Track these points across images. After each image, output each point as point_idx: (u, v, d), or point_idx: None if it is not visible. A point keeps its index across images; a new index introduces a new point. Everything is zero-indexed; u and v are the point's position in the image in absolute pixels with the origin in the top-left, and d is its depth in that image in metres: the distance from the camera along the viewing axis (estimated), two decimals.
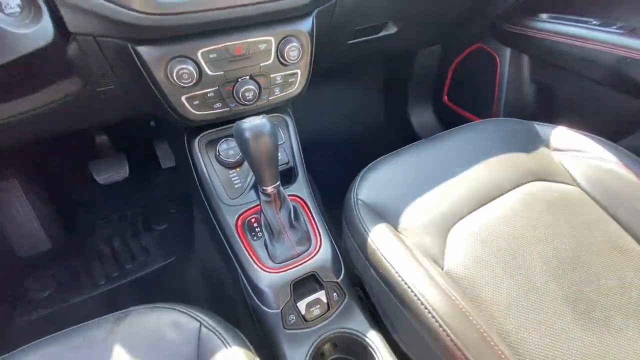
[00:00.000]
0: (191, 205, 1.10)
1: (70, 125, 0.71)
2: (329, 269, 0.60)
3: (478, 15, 0.95)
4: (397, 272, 0.48)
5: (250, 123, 0.49)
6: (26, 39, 0.44)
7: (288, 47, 0.59)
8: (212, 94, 0.59)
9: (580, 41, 0.77)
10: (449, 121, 0.78)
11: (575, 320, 0.50)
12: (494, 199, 0.62)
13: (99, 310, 0.61)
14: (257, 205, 0.65)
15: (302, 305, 0.56)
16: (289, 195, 0.65)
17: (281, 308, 0.56)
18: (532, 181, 0.65)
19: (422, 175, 0.64)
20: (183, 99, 0.58)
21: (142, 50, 0.52)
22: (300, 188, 0.69)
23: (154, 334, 0.46)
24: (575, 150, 0.70)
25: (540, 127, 0.75)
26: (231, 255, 0.61)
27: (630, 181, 0.63)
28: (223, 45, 0.55)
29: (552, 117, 0.82)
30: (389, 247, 0.52)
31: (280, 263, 0.59)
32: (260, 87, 0.62)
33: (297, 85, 0.67)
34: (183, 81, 0.54)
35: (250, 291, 0.58)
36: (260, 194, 0.58)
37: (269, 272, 0.58)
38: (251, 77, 0.60)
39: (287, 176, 0.72)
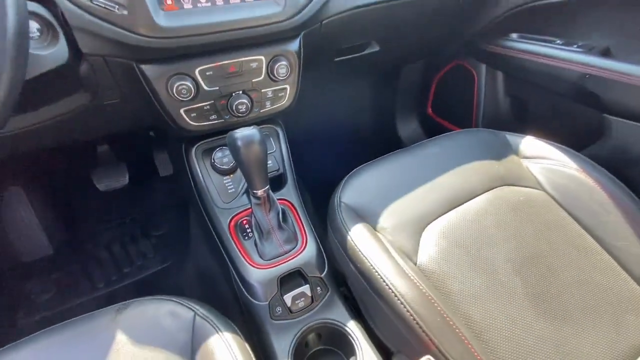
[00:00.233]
0: (187, 212, 1.15)
1: (78, 135, 0.77)
2: (313, 265, 0.65)
3: (456, 35, 1.03)
4: (372, 265, 0.54)
5: (241, 133, 0.55)
6: (45, 59, 0.50)
7: (277, 65, 0.66)
8: (208, 107, 0.65)
9: (545, 59, 0.84)
10: (433, 131, 0.84)
11: (534, 311, 0.56)
12: (465, 202, 0.67)
13: None
14: (248, 209, 0.71)
15: (288, 298, 0.61)
16: (278, 199, 0.71)
17: (269, 300, 0.61)
18: (501, 186, 0.71)
19: (400, 180, 0.70)
20: (182, 111, 0.64)
21: (146, 68, 0.58)
22: (289, 193, 0.75)
23: (153, 322, 0.50)
24: (541, 158, 0.77)
25: (511, 137, 0.81)
26: (224, 253, 0.67)
27: (589, 186, 0.69)
28: (218, 64, 0.61)
29: (524, 127, 0.88)
30: (367, 244, 0.57)
31: (268, 260, 0.64)
32: (252, 101, 0.68)
33: (286, 99, 0.73)
34: (182, 96, 0.61)
35: (241, 286, 0.63)
36: (252, 197, 0.63)
37: (258, 268, 0.63)
38: (244, 92, 0.67)
39: (278, 182, 0.77)
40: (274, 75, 0.67)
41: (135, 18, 0.51)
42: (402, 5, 0.77)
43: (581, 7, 0.80)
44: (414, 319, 0.48)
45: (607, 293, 0.59)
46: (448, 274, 0.57)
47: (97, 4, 0.50)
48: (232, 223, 0.69)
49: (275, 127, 0.82)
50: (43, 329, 0.50)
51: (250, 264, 0.63)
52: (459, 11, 0.91)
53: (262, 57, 0.64)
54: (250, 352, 0.49)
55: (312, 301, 0.63)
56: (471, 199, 0.68)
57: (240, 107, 0.66)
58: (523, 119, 1.03)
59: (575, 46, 0.81)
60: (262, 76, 0.66)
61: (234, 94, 0.66)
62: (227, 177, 0.75)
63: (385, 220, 0.63)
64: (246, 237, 0.67)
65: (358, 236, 0.59)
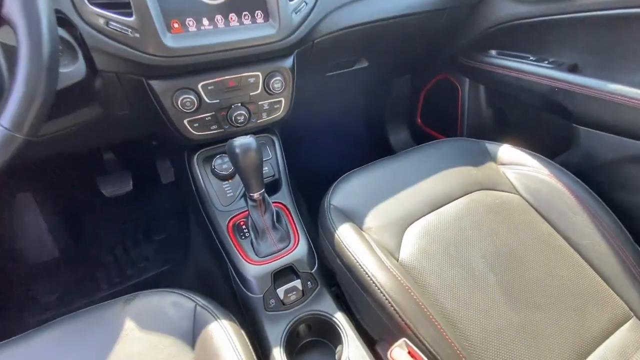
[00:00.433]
0: (187, 217, 1.20)
1: (89, 143, 0.83)
2: (304, 262, 0.71)
3: (440, 51, 1.10)
4: (357, 261, 0.59)
5: (239, 141, 0.61)
6: (65, 76, 0.56)
7: (273, 80, 0.73)
8: (209, 117, 0.71)
9: (519, 74, 0.92)
10: (422, 140, 0.90)
11: (506, 302, 0.61)
12: (445, 205, 0.73)
13: None
14: (245, 211, 0.76)
15: (280, 291, 0.67)
16: (273, 202, 0.77)
17: (263, 294, 0.66)
18: (479, 190, 0.77)
19: (386, 184, 0.76)
20: (185, 122, 0.70)
21: (154, 83, 0.65)
22: (284, 196, 0.81)
23: (158, 311, 0.56)
24: (517, 165, 0.83)
25: (490, 145, 0.88)
26: (223, 251, 0.72)
27: (559, 190, 0.76)
28: (219, 79, 0.68)
29: (504, 136, 0.95)
30: (353, 242, 0.63)
31: (263, 257, 0.70)
32: (250, 112, 0.74)
33: (281, 110, 0.79)
34: (186, 108, 0.67)
35: (238, 280, 0.68)
36: (248, 200, 0.69)
37: (253, 264, 0.68)
38: (242, 104, 0.73)
39: (273, 186, 0.83)
40: (270, 89, 0.73)
41: (146, 40, 0.58)
42: (388, 26, 0.84)
43: (552, 27, 0.87)
44: (393, 307, 0.53)
45: (573, 286, 0.65)
46: (426, 269, 0.62)
47: (112, 28, 0.57)
48: (231, 224, 0.75)
49: (271, 135, 0.89)
50: None
51: (247, 261, 0.69)
52: (441, 30, 0.98)
53: (259, 73, 0.71)
54: (246, 338, 0.55)
55: (303, 294, 0.68)
56: (451, 201, 0.74)
57: (239, 117, 0.73)
58: (503, 129, 1.10)
59: (546, 62, 0.88)
60: (259, 90, 0.73)
61: (233, 106, 0.72)
62: (226, 182, 0.81)
63: (371, 220, 0.69)
64: (243, 237, 0.73)
65: (345, 235, 0.64)
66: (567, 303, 0.63)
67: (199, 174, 0.80)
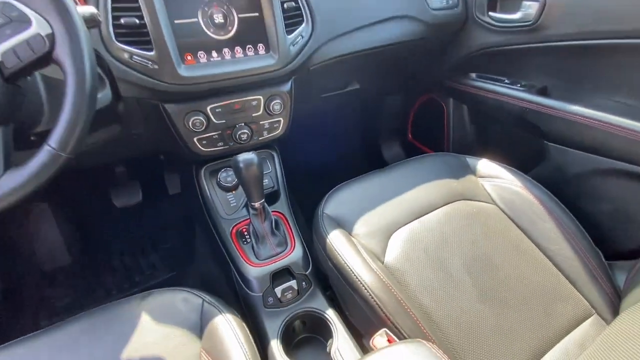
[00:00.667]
0: (192, 227, 1.28)
1: (106, 158, 0.92)
2: (300, 264, 0.79)
3: (425, 74, 1.21)
4: (345, 263, 0.67)
5: (243, 157, 0.70)
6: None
7: (273, 102, 0.82)
8: (216, 136, 0.80)
9: (495, 95, 1.01)
10: (413, 154, 0.99)
11: (479, 300, 0.68)
12: (428, 213, 0.81)
13: None
14: (247, 219, 0.84)
15: (278, 290, 0.74)
16: (272, 211, 0.85)
17: (262, 292, 0.74)
18: (459, 200, 0.85)
19: (374, 195, 0.84)
20: (195, 139, 0.79)
21: (168, 106, 0.74)
22: (282, 206, 0.89)
23: (170, 306, 0.63)
24: (494, 177, 0.91)
25: (470, 160, 0.96)
26: (226, 255, 0.80)
27: (530, 200, 0.84)
28: (225, 102, 0.77)
29: (485, 151, 1.04)
30: (342, 246, 0.71)
31: (263, 260, 0.78)
32: (252, 131, 0.84)
33: (280, 128, 0.89)
34: (196, 127, 0.76)
35: (240, 281, 0.76)
36: (250, 208, 0.78)
37: (254, 266, 0.76)
38: (245, 124, 0.82)
39: (273, 197, 0.92)
40: (270, 111, 0.83)
41: (163, 71, 0.67)
42: (375, 54, 0.94)
43: (523, 54, 0.98)
44: (375, 302, 0.61)
45: (541, 286, 0.72)
46: (408, 271, 0.70)
47: (135, 61, 0.67)
48: (234, 230, 0.83)
49: (271, 151, 0.98)
50: None
51: (248, 263, 0.77)
52: (424, 56, 1.09)
53: (261, 97, 0.80)
54: (247, 330, 0.62)
55: (298, 293, 0.76)
56: (433, 210, 0.82)
57: (242, 135, 0.82)
58: (485, 144, 1.19)
59: (519, 85, 0.98)
60: (261, 111, 0.82)
61: (237, 125, 0.81)
62: (230, 193, 0.90)
63: (359, 227, 0.76)
64: (245, 242, 0.81)
65: (336, 240, 0.72)
66: (535, 301, 0.70)
67: (205, 186, 0.89)
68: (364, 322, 0.67)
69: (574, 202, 0.85)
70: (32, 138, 0.60)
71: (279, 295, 0.74)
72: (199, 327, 0.61)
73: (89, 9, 0.51)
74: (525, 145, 1.02)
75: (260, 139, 0.87)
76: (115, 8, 0.63)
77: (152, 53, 0.66)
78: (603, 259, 0.76)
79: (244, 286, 0.76)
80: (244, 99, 0.78)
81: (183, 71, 0.69)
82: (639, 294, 0.66)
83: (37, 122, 0.58)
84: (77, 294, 1.14)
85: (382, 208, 0.81)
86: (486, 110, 1.09)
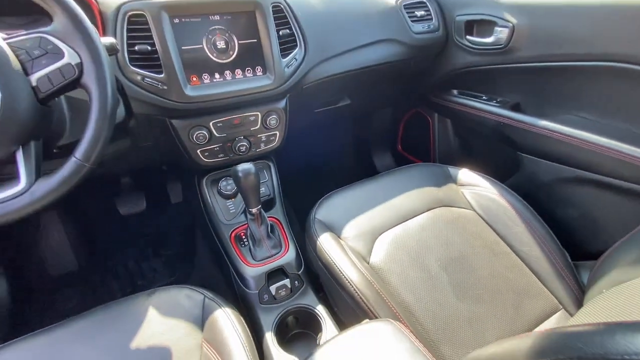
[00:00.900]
0: (193, 234, 1.35)
1: (116, 169, 0.99)
2: (293, 265, 0.86)
3: (411, 90, 1.30)
4: (333, 262, 0.74)
5: (241, 167, 0.77)
6: None
7: (270, 117, 0.90)
8: (217, 148, 0.88)
9: (475, 110, 1.10)
10: (403, 164, 1.07)
11: (455, 296, 0.75)
12: (411, 218, 0.88)
13: None
14: (245, 224, 0.92)
15: (273, 288, 0.81)
16: (268, 217, 0.92)
17: (258, 290, 0.81)
18: (440, 206, 0.93)
19: (362, 201, 0.91)
20: (198, 151, 0.87)
21: (175, 122, 0.82)
22: (277, 212, 0.97)
23: (174, 302, 0.70)
24: (473, 185, 0.99)
25: (452, 169, 1.04)
26: (225, 256, 0.87)
27: (504, 206, 0.91)
28: (226, 118, 0.85)
29: (468, 161, 1.12)
30: (331, 247, 0.78)
31: (259, 260, 0.85)
32: (250, 143, 0.92)
33: (276, 141, 0.97)
34: (199, 140, 0.84)
35: (238, 280, 0.83)
36: (248, 214, 0.85)
37: (251, 266, 0.83)
38: (244, 137, 0.90)
39: (269, 204, 0.99)
40: (267, 125, 0.91)
41: (171, 90, 0.76)
42: (363, 73, 1.03)
43: (498, 73, 1.07)
44: (359, 296, 0.68)
45: (512, 284, 0.79)
46: (391, 270, 0.77)
47: (147, 82, 0.75)
48: (233, 234, 0.90)
49: (268, 162, 1.06)
50: None
51: (245, 263, 0.84)
52: (410, 74, 1.18)
53: (258, 113, 0.89)
54: (245, 324, 0.69)
55: (291, 291, 0.83)
56: (415, 216, 0.89)
57: (241, 147, 0.90)
58: (467, 155, 1.28)
59: (495, 101, 1.07)
60: (258, 126, 0.90)
61: (237, 138, 0.89)
62: (230, 200, 0.97)
63: (348, 231, 0.84)
64: (243, 245, 0.88)
65: (325, 242, 0.79)
66: (507, 297, 0.77)
67: (207, 194, 0.96)
68: (349, 315, 0.74)
69: (545, 208, 0.93)
70: (54, 150, 0.68)
71: (273, 293, 0.81)
72: (201, 320, 0.68)
73: (110, 39, 0.60)
74: (502, 156, 1.10)
75: (257, 150, 0.95)
76: (130, 37, 0.72)
77: (161, 75, 0.74)
78: (569, 259, 0.83)
79: (241, 284, 0.82)
80: (243, 114, 0.87)
81: (189, 91, 0.77)
82: (599, 288, 0.73)
83: (60, 136, 0.66)
84: (82, 297, 1.20)
85: (369, 213, 0.88)
86: (467, 124, 1.18)
